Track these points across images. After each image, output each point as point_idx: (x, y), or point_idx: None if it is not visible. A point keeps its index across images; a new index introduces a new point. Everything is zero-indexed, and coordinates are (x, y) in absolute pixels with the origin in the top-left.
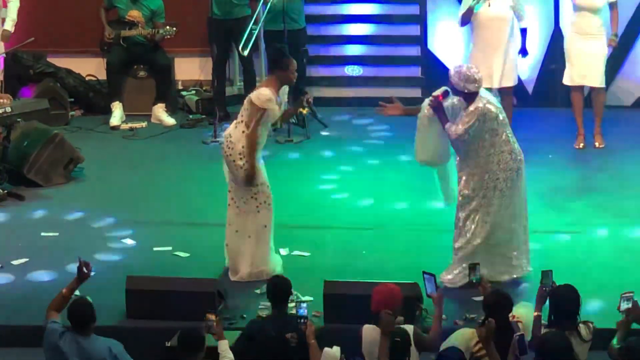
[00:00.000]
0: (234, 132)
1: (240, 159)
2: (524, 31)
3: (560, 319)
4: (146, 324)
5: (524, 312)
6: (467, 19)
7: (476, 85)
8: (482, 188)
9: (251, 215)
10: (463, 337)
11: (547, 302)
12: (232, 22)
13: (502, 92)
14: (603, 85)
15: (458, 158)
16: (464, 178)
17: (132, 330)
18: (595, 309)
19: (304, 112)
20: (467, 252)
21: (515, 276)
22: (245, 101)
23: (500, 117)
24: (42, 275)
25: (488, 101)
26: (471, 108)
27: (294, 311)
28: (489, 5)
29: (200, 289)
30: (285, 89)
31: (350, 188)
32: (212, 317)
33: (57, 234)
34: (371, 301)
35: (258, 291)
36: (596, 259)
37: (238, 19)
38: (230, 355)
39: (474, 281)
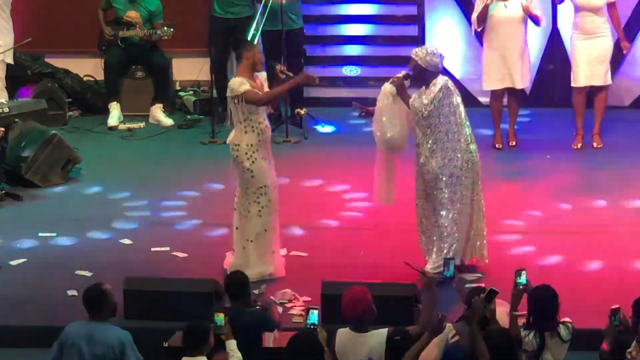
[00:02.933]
0: (235, 135)
1: (248, 159)
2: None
3: (540, 320)
4: (144, 325)
5: (499, 310)
6: (482, 19)
7: (439, 60)
8: (448, 167)
9: (254, 219)
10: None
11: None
12: (233, 21)
13: (515, 93)
14: (608, 82)
15: (418, 138)
16: (426, 155)
17: (130, 331)
18: (590, 309)
19: (302, 113)
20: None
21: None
22: (229, 103)
23: (458, 99)
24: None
25: (449, 80)
26: (433, 82)
27: (294, 315)
28: (505, 7)
29: (198, 289)
30: (262, 74)
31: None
32: (220, 316)
33: (54, 234)
34: (341, 307)
35: (256, 291)
36: (593, 260)
37: (240, 19)
38: (239, 354)
39: (447, 276)
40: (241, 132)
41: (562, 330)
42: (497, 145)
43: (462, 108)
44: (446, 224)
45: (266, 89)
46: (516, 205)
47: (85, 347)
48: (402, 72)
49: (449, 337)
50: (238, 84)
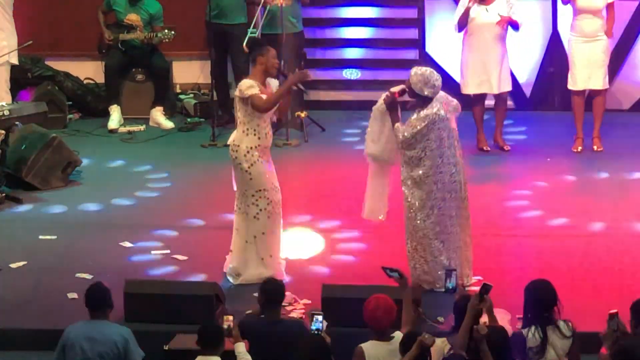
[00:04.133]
0: (236, 135)
1: (246, 161)
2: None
3: (537, 314)
4: (144, 328)
5: (500, 318)
6: (463, 22)
7: (432, 91)
8: (430, 199)
9: (251, 221)
10: (436, 347)
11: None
12: (226, 26)
13: (499, 97)
14: (606, 87)
15: (403, 167)
16: (408, 186)
17: None
18: (590, 311)
19: (302, 115)
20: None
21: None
22: (235, 103)
23: (448, 129)
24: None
25: (440, 108)
26: (422, 114)
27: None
28: (487, 11)
29: (198, 292)
30: (274, 82)
31: (348, 188)
32: (230, 319)
33: (55, 237)
34: (371, 317)
35: (256, 295)
36: (593, 262)
37: (233, 25)
38: (248, 357)
39: (450, 287)
40: (242, 134)
41: (562, 325)
42: (484, 148)
43: (452, 137)
44: (419, 255)
45: None
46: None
47: (88, 346)
48: (399, 87)
49: (445, 351)
50: (247, 85)
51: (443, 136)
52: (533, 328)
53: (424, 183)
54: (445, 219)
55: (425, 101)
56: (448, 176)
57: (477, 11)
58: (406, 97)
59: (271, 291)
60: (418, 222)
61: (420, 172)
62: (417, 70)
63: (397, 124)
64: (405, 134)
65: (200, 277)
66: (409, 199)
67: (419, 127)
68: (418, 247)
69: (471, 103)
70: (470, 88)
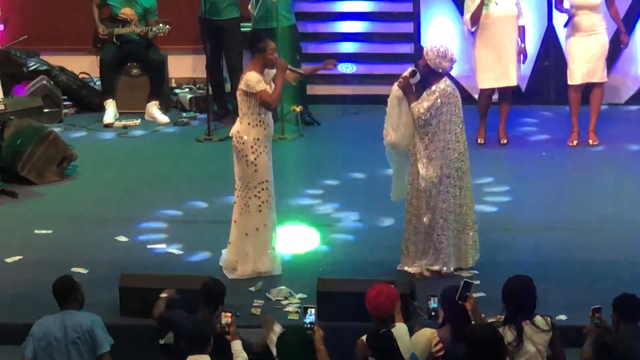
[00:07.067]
0: (241, 127)
1: (253, 153)
2: (522, 30)
3: (513, 311)
4: (140, 322)
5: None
6: (477, 18)
7: (449, 65)
8: (443, 175)
9: (253, 213)
10: (424, 336)
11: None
12: (220, 22)
13: (505, 92)
14: (605, 80)
15: (414, 146)
16: (423, 163)
17: (126, 328)
18: (585, 304)
19: (297, 110)
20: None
21: (475, 260)
22: (238, 95)
23: (458, 105)
24: None
25: (451, 85)
26: (433, 87)
27: (290, 312)
28: (497, 4)
29: (193, 286)
30: (270, 72)
31: (345, 182)
32: (228, 315)
33: (50, 231)
34: (373, 303)
35: (252, 289)
36: (589, 255)
37: (226, 20)
38: (244, 355)
39: (432, 309)
40: (248, 126)
41: (539, 319)
42: (480, 140)
43: (460, 114)
44: (433, 233)
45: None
46: None
47: (61, 334)
48: (408, 70)
49: (433, 343)
50: (256, 80)
51: (452, 111)
52: (507, 325)
53: (438, 158)
54: (449, 197)
55: (438, 77)
56: (457, 154)
57: (487, 5)
58: (418, 77)
59: (211, 291)
60: (435, 198)
61: (434, 147)
62: (431, 47)
63: (414, 103)
64: (422, 109)
65: (195, 271)
66: (422, 176)
67: (433, 100)
68: (436, 227)
69: (480, 96)
70: (488, 82)
